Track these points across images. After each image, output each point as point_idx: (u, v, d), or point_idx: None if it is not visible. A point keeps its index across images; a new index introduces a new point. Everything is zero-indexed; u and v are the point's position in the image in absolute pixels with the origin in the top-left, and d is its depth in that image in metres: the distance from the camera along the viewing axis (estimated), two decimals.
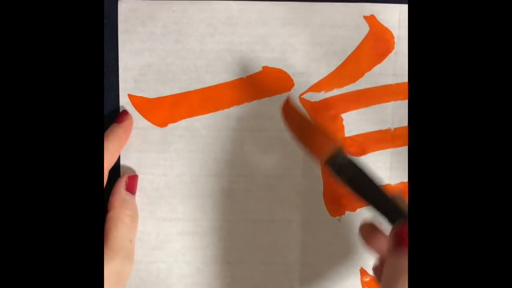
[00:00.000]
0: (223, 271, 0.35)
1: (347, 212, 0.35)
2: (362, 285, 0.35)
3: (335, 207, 0.35)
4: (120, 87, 0.34)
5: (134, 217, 0.33)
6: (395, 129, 0.35)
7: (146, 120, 0.34)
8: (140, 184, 0.34)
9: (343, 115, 0.34)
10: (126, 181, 0.33)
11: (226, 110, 0.34)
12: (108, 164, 0.31)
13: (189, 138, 0.34)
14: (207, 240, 0.34)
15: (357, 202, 0.34)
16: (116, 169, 0.34)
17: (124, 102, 0.34)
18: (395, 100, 0.34)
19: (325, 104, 0.34)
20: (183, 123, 0.34)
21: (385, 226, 0.27)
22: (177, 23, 0.33)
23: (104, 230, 0.31)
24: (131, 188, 0.33)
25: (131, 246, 0.32)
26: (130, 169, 0.34)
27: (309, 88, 0.34)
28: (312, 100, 0.34)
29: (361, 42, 0.34)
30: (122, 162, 0.34)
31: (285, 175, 0.34)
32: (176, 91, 0.34)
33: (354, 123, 0.34)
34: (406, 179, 0.35)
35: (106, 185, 0.32)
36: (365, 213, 0.35)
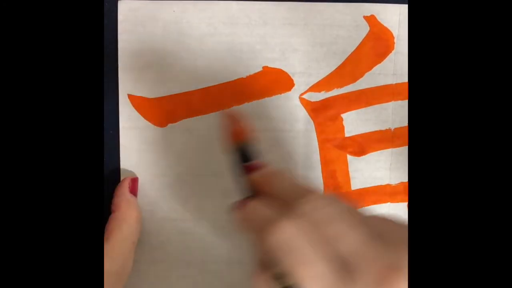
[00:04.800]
0: (223, 271, 0.35)
1: None
2: None
3: None
4: (120, 87, 0.34)
5: (139, 219, 0.33)
6: (395, 129, 0.35)
7: (145, 120, 0.34)
8: (140, 184, 0.34)
9: (343, 115, 0.34)
10: (129, 183, 0.33)
11: (226, 110, 0.34)
12: None
13: (189, 138, 0.34)
14: (207, 240, 0.34)
15: (357, 201, 0.34)
16: (116, 170, 0.34)
17: (124, 102, 0.34)
18: (395, 100, 0.34)
19: (325, 104, 0.34)
20: (183, 123, 0.34)
21: None
22: (177, 23, 0.33)
23: (107, 230, 0.31)
24: (134, 190, 0.33)
25: (133, 248, 0.32)
26: (130, 169, 0.34)
27: (309, 88, 0.34)
28: (312, 100, 0.34)
29: (361, 42, 0.34)
30: (122, 163, 0.34)
31: None
32: (176, 91, 0.34)
33: (354, 123, 0.34)
34: (406, 179, 0.35)
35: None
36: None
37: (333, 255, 0.21)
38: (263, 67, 0.34)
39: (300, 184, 0.25)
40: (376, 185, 0.35)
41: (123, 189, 0.33)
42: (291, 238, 0.22)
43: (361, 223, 0.22)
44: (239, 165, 0.29)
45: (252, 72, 0.34)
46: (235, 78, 0.34)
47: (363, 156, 0.35)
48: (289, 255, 0.21)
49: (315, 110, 0.34)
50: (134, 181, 0.34)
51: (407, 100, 0.34)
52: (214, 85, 0.34)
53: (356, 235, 0.22)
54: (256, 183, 0.27)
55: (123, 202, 0.32)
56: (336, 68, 0.34)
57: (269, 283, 0.23)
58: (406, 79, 0.34)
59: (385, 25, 0.34)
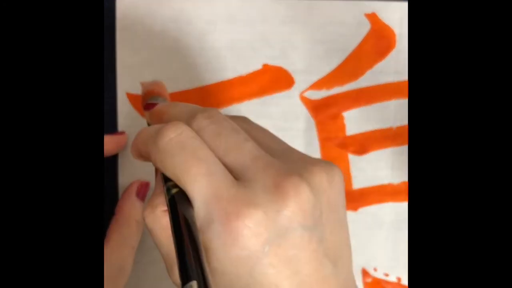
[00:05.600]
0: None
1: (348, 212, 0.34)
2: (364, 286, 0.34)
3: None
4: (118, 86, 0.33)
5: (141, 223, 0.32)
6: (397, 127, 0.34)
7: (144, 119, 0.34)
8: None
9: (344, 114, 0.34)
10: (137, 187, 0.33)
11: (226, 108, 0.34)
12: None
13: None
14: None
15: (359, 201, 0.34)
16: (114, 170, 0.34)
17: (122, 100, 0.33)
18: (396, 98, 0.34)
19: (326, 102, 0.34)
20: None
21: None
22: (176, 21, 0.33)
23: (107, 232, 0.31)
24: (142, 195, 0.33)
25: (132, 252, 0.32)
26: (128, 169, 0.34)
27: (310, 86, 0.34)
28: (313, 98, 0.34)
29: (362, 40, 0.34)
30: (120, 162, 0.34)
31: None
32: (175, 89, 0.33)
33: (356, 121, 0.34)
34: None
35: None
36: (367, 212, 0.34)
37: (225, 163, 0.21)
38: (263, 65, 0.34)
39: (196, 106, 0.24)
40: (377, 184, 0.34)
41: (129, 192, 0.32)
42: (184, 137, 0.21)
43: (258, 139, 0.22)
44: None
45: (252, 70, 0.34)
46: (235, 76, 0.34)
47: (365, 155, 0.34)
48: (181, 153, 0.20)
49: (316, 108, 0.34)
50: (143, 185, 0.33)
51: None
52: (214, 83, 0.34)
53: (250, 148, 0.21)
54: (154, 116, 0.26)
55: (126, 205, 0.32)
56: (337, 66, 0.34)
57: (158, 212, 0.21)
58: (407, 77, 0.34)
59: (387, 22, 0.34)
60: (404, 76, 0.34)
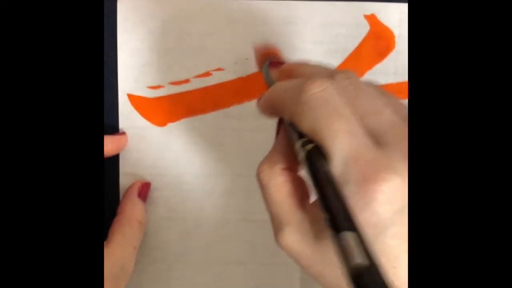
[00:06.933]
0: (223, 272, 0.34)
1: None
2: None
3: None
4: (119, 87, 0.34)
5: (143, 223, 0.32)
6: None
7: (145, 120, 0.34)
8: None
9: None
10: (139, 187, 0.33)
11: (226, 110, 0.34)
12: None
13: (189, 137, 0.34)
14: (207, 240, 0.34)
15: None
16: (115, 170, 0.34)
17: (123, 101, 0.34)
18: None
19: None
20: (183, 122, 0.34)
21: None
22: (177, 22, 0.33)
23: (109, 232, 0.31)
24: (143, 195, 0.33)
25: (134, 252, 0.32)
26: (129, 169, 0.34)
27: None
28: None
29: (361, 41, 0.34)
30: (121, 162, 0.34)
31: None
32: (175, 90, 0.34)
33: None
34: None
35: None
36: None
37: (366, 126, 0.20)
38: None
39: (330, 67, 0.24)
40: None
41: (130, 192, 0.33)
42: (327, 93, 0.20)
43: (394, 107, 0.21)
44: (267, 69, 0.28)
45: (252, 71, 0.34)
46: (235, 77, 0.34)
47: None
48: (323, 108, 0.20)
49: None
50: (145, 185, 0.33)
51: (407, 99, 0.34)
52: (214, 85, 0.34)
53: (390, 115, 0.21)
54: (284, 73, 0.25)
55: (128, 206, 0.32)
56: (337, 67, 0.34)
57: (276, 169, 0.21)
58: (407, 78, 0.34)
59: (386, 24, 0.34)
60: (403, 77, 0.34)
